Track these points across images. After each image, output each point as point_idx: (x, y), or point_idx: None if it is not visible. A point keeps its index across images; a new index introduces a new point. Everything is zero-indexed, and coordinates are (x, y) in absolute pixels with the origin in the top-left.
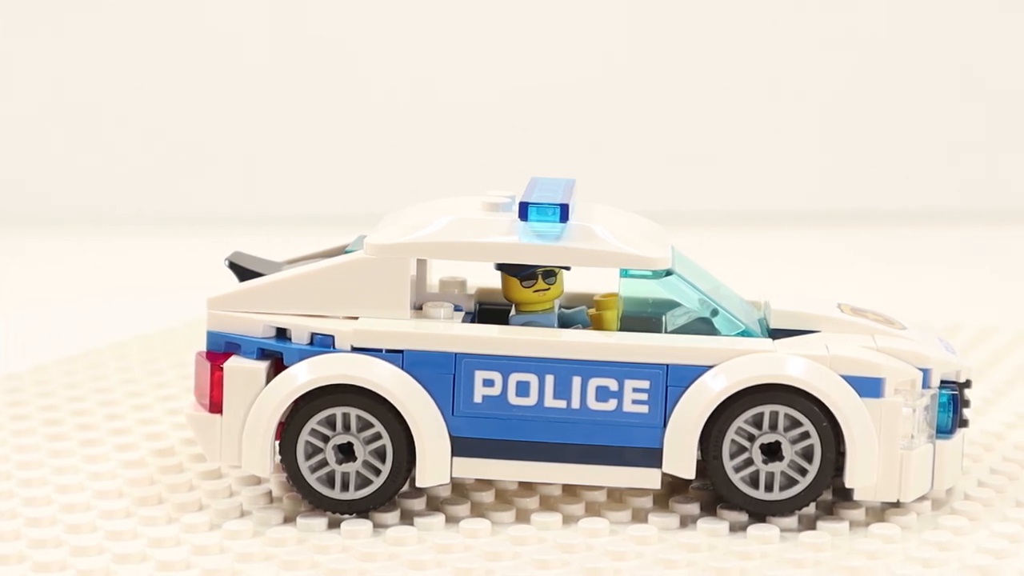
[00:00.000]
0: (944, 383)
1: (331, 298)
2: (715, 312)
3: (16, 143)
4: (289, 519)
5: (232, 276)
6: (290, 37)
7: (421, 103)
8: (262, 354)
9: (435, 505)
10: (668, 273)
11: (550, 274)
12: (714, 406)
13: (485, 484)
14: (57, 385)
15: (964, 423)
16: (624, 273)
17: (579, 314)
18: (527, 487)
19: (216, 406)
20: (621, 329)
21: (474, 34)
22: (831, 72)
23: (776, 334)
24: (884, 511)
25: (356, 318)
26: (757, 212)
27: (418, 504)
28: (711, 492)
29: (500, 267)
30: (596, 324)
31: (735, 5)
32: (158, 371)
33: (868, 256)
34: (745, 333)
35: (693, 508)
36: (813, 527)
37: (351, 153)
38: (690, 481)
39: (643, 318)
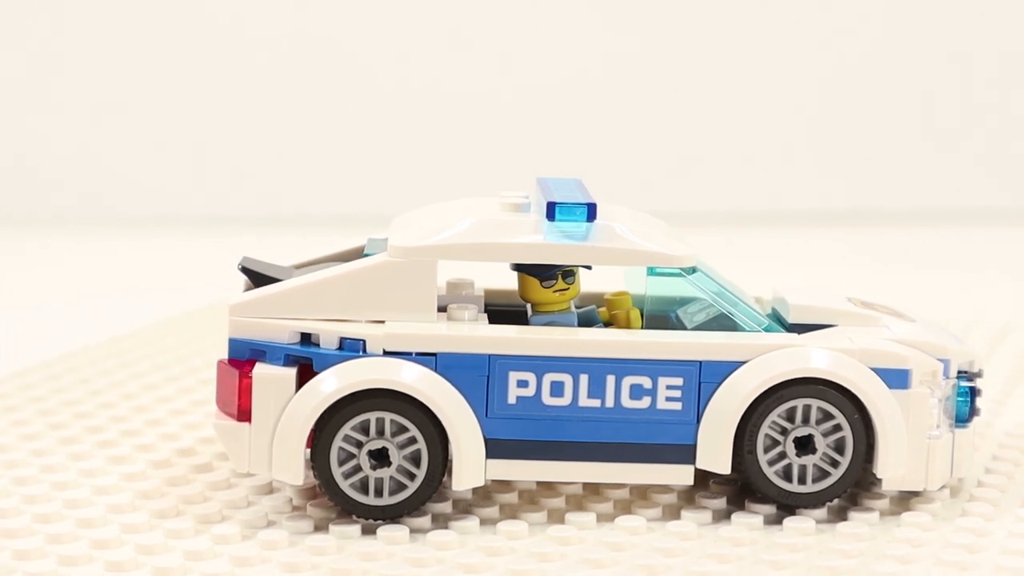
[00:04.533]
0: (959, 373)
1: (356, 302)
2: (739, 308)
3: (15, 142)
4: (320, 527)
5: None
6: (289, 37)
7: (418, 103)
8: (288, 360)
9: (464, 508)
10: (694, 270)
11: (569, 274)
12: (750, 401)
13: (504, 485)
14: (45, 389)
15: (977, 412)
16: (651, 271)
17: (591, 313)
18: (548, 487)
19: (244, 414)
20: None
21: (472, 35)
22: (830, 72)
23: (792, 329)
24: (909, 500)
25: (382, 321)
26: (756, 212)
27: (445, 508)
28: (731, 486)
29: (518, 267)
30: (617, 323)
31: (735, 5)
32: (140, 373)
33: (868, 256)
34: (769, 329)
35: (720, 503)
36: (844, 518)
37: (351, 153)
38: (710, 477)
39: (659, 316)
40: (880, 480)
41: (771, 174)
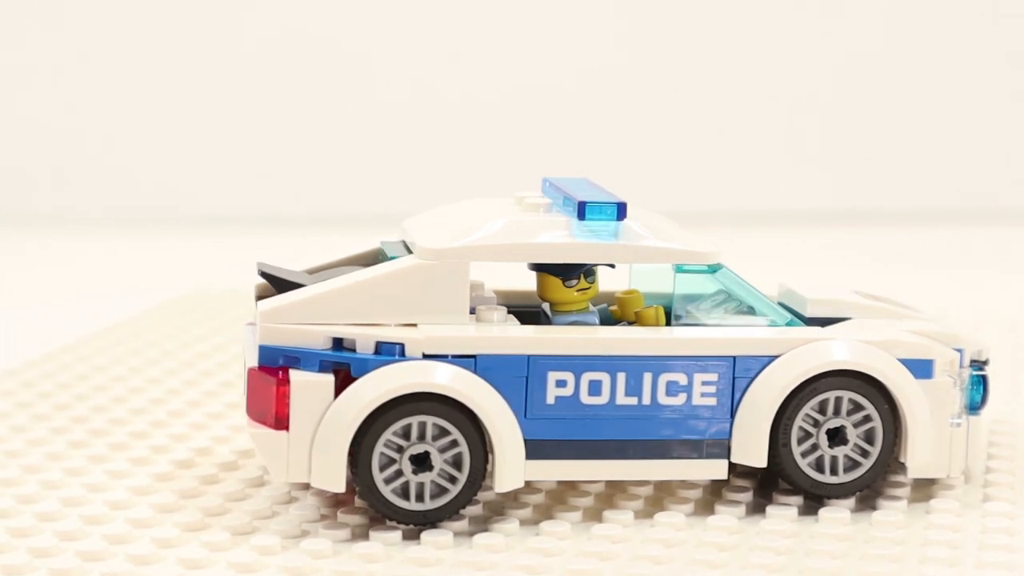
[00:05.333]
0: (971, 362)
1: (388, 305)
2: (763, 304)
3: (15, 141)
4: (359, 534)
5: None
6: (288, 36)
7: (418, 104)
8: (323, 366)
9: (496, 509)
10: (720, 267)
11: (590, 273)
12: (786, 394)
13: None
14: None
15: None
16: (679, 268)
17: (604, 312)
18: (569, 485)
19: (281, 422)
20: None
21: (471, 35)
22: (831, 72)
23: (809, 322)
24: (929, 487)
25: (414, 325)
26: (757, 212)
27: (475, 510)
28: (754, 479)
29: (538, 267)
30: (641, 321)
31: (735, 5)
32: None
33: (868, 256)
34: (791, 324)
35: (746, 496)
36: (873, 506)
37: (351, 153)
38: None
39: (684, 313)
40: (905, 468)
41: (771, 174)
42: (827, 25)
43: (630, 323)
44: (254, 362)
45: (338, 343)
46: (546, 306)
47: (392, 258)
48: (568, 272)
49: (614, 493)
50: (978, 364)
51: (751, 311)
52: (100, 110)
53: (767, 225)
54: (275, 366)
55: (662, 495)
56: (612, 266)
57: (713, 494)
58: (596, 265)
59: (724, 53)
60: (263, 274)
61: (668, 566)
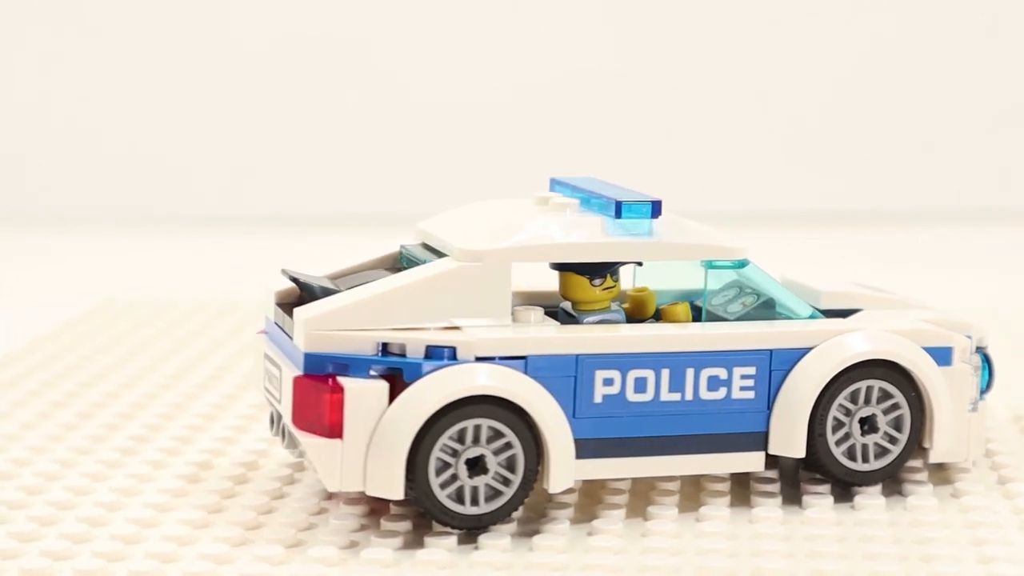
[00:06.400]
0: (976, 348)
1: (432, 309)
2: (788, 298)
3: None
4: (412, 542)
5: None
6: (288, 35)
7: (416, 104)
8: (372, 372)
9: (538, 511)
10: (747, 262)
11: (615, 272)
12: (823, 385)
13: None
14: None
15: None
16: (709, 264)
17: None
18: (599, 484)
19: (335, 430)
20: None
21: (469, 35)
22: (831, 73)
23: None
24: (945, 472)
25: (457, 327)
26: (756, 212)
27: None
28: (775, 470)
29: (564, 266)
30: (666, 317)
31: (735, 6)
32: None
33: (868, 256)
34: (813, 316)
35: (773, 487)
36: (900, 492)
37: (350, 153)
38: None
39: (710, 308)
40: (927, 453)
41: (771, 174)
42: (827, 26)
43: (650, 320)
44: (295, 370)
45: (383, 348)
46: (566, 305)
47: (422, 261)
48: (596, 271)
49: (647, 490)
50: (982, 350)
51: (772, 305)
52: (95, 109)
53: (767, 225)
54: (323, 374)
55: (688, 489)
56: (640, 264)
57: (741, 487)
58: (626, 264)
59: (724, 53)
60: (294, 280)
61: (726, 560)
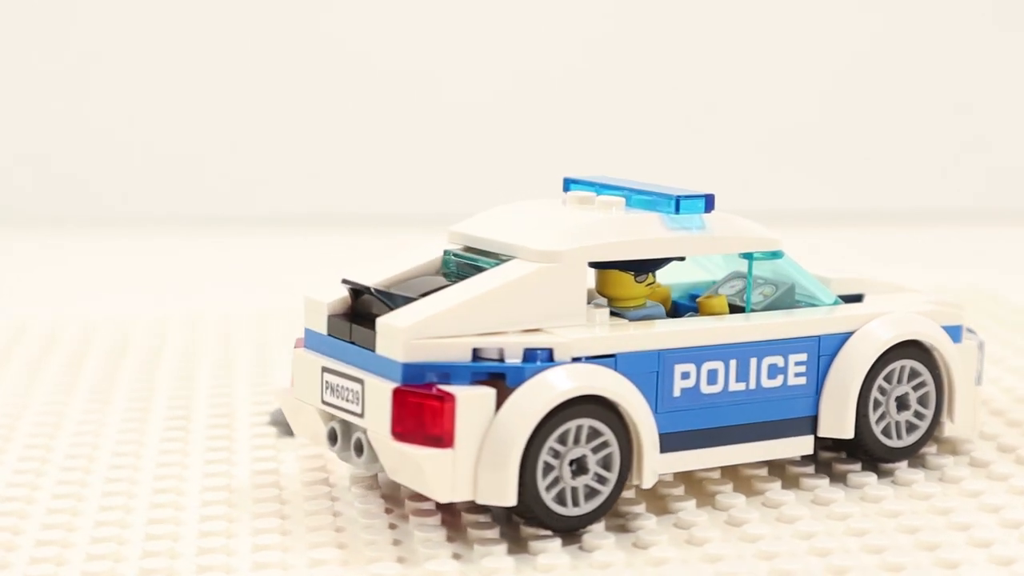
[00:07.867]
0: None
1: (518, 311)
2: (817, 287)
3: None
4: (516, 548)
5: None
6: (287, 35)
7: (416, 105)
8: (473, 379)
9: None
10: (782, 252)
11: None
12: (869, 366)
13: None
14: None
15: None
16: (750, 256)
17: None
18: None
19: (444, 440)
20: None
21: (469, 35)
22: (831, 73)
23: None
24: (952, 447)
25: (537, 330)
26: (756, 212)
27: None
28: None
29: (605, 263)
30: (703, 310)
31: (735, 6)
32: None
33: (868, 256)
34: (836, 302)
35: (808, 468)
36: (924, 467)
37: (351, 153)
38: None
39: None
40: (943, 429)
41: (771, 174)
42: (826, 26)
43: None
44: (389, 381)
45: (475, 354)
46: (600, 301)
47: (476, 265)
48: (644, 268)
49: (688, 483)
50: (971, 331)
51: (792, 292)
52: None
53: (767, 225)
54: (421, 383)
55: (725, 477)
56: (682, 259)
57: (776, 473)
58: (675, 259)
59: (725, 53)
60: (365, 290)
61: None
